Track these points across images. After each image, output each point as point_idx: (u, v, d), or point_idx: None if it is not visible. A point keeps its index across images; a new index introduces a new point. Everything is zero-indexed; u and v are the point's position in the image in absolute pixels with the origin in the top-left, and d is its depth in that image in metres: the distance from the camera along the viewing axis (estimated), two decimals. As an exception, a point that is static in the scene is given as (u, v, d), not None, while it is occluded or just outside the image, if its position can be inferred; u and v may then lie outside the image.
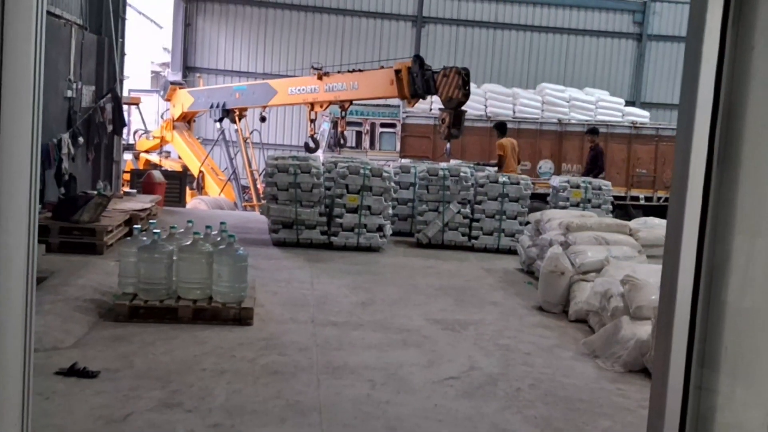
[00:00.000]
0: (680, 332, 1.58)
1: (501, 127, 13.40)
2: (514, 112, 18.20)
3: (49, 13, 10.40)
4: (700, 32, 1.57)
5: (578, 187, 11.66)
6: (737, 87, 1.62)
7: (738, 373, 1.66)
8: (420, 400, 4.86)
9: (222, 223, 6.77)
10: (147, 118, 20.42)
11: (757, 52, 1.59)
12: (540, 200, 13.43)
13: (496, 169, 12.65)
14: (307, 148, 14.14)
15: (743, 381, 1.63)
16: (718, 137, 1.61)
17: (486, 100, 18.24)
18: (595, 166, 13.93)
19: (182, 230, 6.78)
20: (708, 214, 1.59)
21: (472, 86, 13.67)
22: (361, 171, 10.10)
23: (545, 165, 17.31)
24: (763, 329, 1.57)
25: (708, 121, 1.58)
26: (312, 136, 14.41)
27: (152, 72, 30.00)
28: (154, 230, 6.46)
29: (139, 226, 7.05)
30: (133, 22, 24.15)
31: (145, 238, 6.48)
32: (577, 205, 11.45)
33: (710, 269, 1.63)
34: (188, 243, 6.44)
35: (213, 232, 6.64)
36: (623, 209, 16.48)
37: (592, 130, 14.60)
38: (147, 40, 28.39)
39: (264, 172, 12.38)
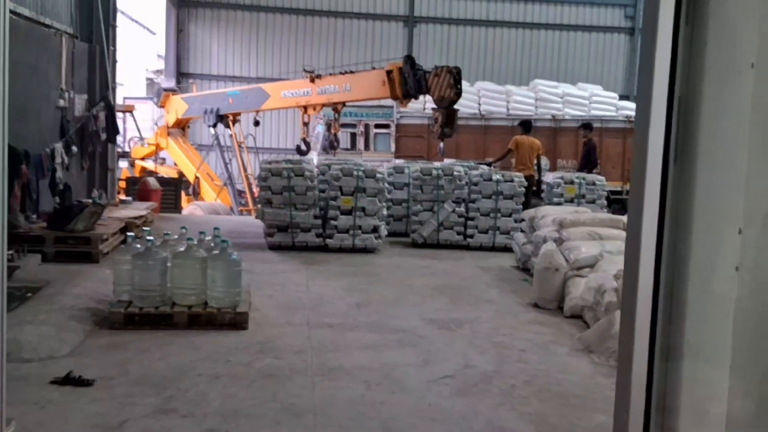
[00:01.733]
0: (642, 324, 1.59)
1: (524, 125, 13.30)
2: (507, 109, 18.25)
3: (38, 22, 10.41)
4: (654, 30, 1.59)
5: (572, 182, 11.67)
6: (692, 82, 1.63)
7: (699, 362, 1.68)
8: (415, 399, 4.88)
9: (215, 228, 6.79)
10: (143, 125, 20.44)
11: (710, 47, 1.60)
12: (536, 197, 13.45)
13: (491, 161, 12.73)
14: (299, 151, 14.19)
15: (704, 370, 1.65)
16: (674, 132, 1.63)
17: (479, 98, 18.28)
18: (588, 161, 13.94)
19: (176, 236, 6.79)
20: (666, 207, 1.61)
21: (466, 85, 13.72)
22: (355, 173, 10.12)
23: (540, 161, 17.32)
24: (723, 319, 1.59)
25: (663, 116, 1.60)
26: (303, 139, 14.45)
27: (147, 79, 30.01)
28: (148, 237, 6.46)
29: (132, 233, 7.05)
30: (127, 30, 24.19)
31: (138, 246, 6.49)
32: (571, 200, 11.47)
33: (670, 262, 1.65)
34: (182, 249, 6.45)
35: (207, 238, 6.65)
36: (620, 203, 16.51)
37: (585, 125, 14.61)
38: (142, 47, 28.42)
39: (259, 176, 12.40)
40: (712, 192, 1.58)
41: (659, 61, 1.59)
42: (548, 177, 12.49)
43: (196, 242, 6.46)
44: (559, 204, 11.17)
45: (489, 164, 12.70)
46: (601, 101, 18.97)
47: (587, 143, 14.21)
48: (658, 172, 1.61)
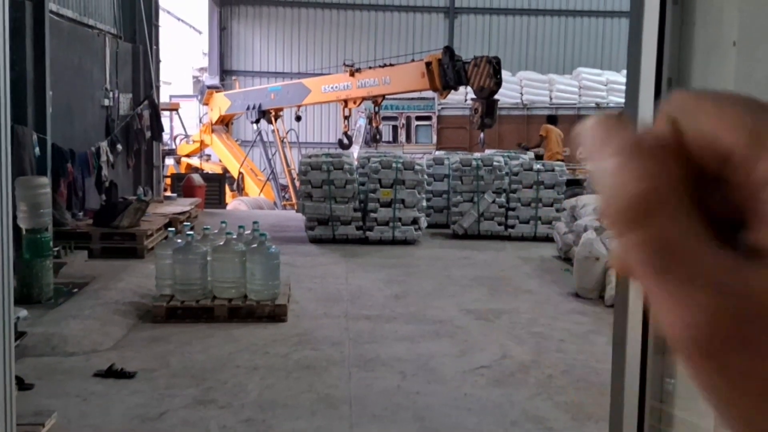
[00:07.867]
0: (635, 308, 1.57)
1: (551, 118, 13.88)
2: (550, 98, 18.02)
3: (81, 23, 10.63)
4: (641, 11, 1.55)
5: (615, 171, 11.50)
6: (682, 63, 1.60)
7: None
8: (450, 389, 4.88)
9: (255, 222, 6.86)
10: (189, 122, 20.74)
11: (698, 27, 1.57)
12: (580, 186, 13.28)
13: (538, 149, 12.82)
14: (341, 145, 14.24)
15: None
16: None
17: (522, 88, 18.10)
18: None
19: (216, 231, 6.89)
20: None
21: (507, 74, 13.59)
22: (394, 165, 10.12)
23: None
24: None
25: (652, 98, 1.57)
26: (345, 133, 14.50)
27: (194, 77, 30.40)
28: (188, 232, 6.57)
29: (173, 229, 7.18)
30: (173, 29, 24.55)
31: (179, 241, 6.60)
32: (614, 189, 11.30)
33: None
34: (221, 243, 6.54)
35: (246, 232, 6.74)
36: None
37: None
38: (188, 46, 28.82)
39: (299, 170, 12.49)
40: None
41: (646, 42, 1.57)
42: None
43: (235, 236, 6.55)
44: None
45: (526, 148, 12.69)
46: (646, 88, 18.63)
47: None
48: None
